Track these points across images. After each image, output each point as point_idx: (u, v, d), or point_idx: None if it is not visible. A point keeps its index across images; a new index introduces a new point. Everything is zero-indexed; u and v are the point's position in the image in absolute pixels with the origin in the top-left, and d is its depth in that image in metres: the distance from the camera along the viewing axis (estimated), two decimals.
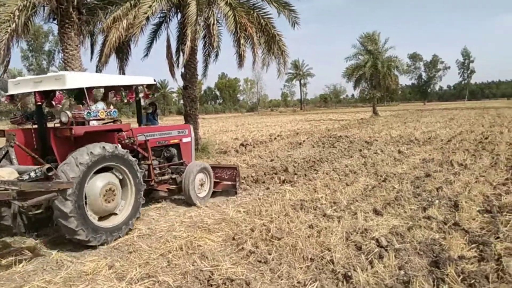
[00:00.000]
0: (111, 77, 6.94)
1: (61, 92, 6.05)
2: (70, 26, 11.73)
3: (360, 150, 14.67)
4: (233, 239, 5.59)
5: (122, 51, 14.52)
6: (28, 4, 10.61)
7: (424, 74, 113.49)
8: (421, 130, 22.49)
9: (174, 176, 7.92)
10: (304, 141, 18.86)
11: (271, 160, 13.25)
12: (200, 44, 14.96)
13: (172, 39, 14.99)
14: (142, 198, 6.43)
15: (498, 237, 5.17)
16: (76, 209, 5.21)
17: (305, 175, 10.26)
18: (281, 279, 4.39)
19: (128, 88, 7.00)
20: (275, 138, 21.16)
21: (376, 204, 7.07)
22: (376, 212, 6.52)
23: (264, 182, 9.67)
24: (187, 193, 7.62)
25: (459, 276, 4.09)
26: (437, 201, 6.93)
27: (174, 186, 7.91)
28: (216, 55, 16.41)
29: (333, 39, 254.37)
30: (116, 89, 6.87)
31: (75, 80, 5.94)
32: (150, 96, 7.76)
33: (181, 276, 4.49)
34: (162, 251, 5.28)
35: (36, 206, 5.05)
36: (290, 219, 6.23)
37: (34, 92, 6.13)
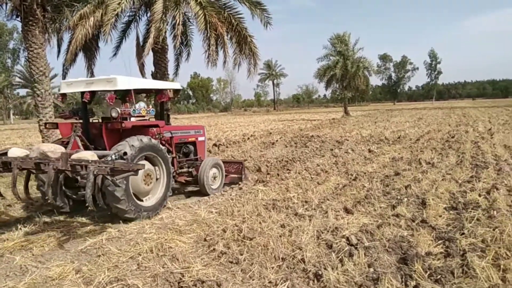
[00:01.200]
0: (149, 81, 8.07)
1: (112, 92, 7.07)
2: (34, 24, 11.31)
3: (332, 150, 14.84)
4: (205, 240, 5.53)
5: (90, 49, 14.18)
6: None
7: (393, 75, 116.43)
8: (391, 130, 23.00)
9: (190, 169, 8.90)
10: (277, 141, 18.94)
11: (244, 160, 13.19)
12: (171, 44, 14.80)
13: (142, 38, 14.76)
14: (170, 190, 7.51)
15: (463, 233, 5.33)
16: (123, 183, 6.18)
17: (278, 174, 10.28)
18: (253, 279, 4.37)
19: (160, 91, 8.25)
20: (248, 138, 21.15)
21: (346, 202, 7.15)
22: (347, 211, 6.59)
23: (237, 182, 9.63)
24: (202, 184, 8.60)
25: (426, 272, 4.19)
26: (405, 199, 7.06)
27: (191, 178, 8.91)
28: (188, 54, 16.26)
29: (306, 39, 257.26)
30: (148, 91, 8.35)
31: (124, 82, 7.05)
32: (172, 99, 8.78)
33: (151, 279, 4.40)
34: (131, 253, 5.14)
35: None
36: (262, 219, 6.21)
37: (84, 92, 7.20)
